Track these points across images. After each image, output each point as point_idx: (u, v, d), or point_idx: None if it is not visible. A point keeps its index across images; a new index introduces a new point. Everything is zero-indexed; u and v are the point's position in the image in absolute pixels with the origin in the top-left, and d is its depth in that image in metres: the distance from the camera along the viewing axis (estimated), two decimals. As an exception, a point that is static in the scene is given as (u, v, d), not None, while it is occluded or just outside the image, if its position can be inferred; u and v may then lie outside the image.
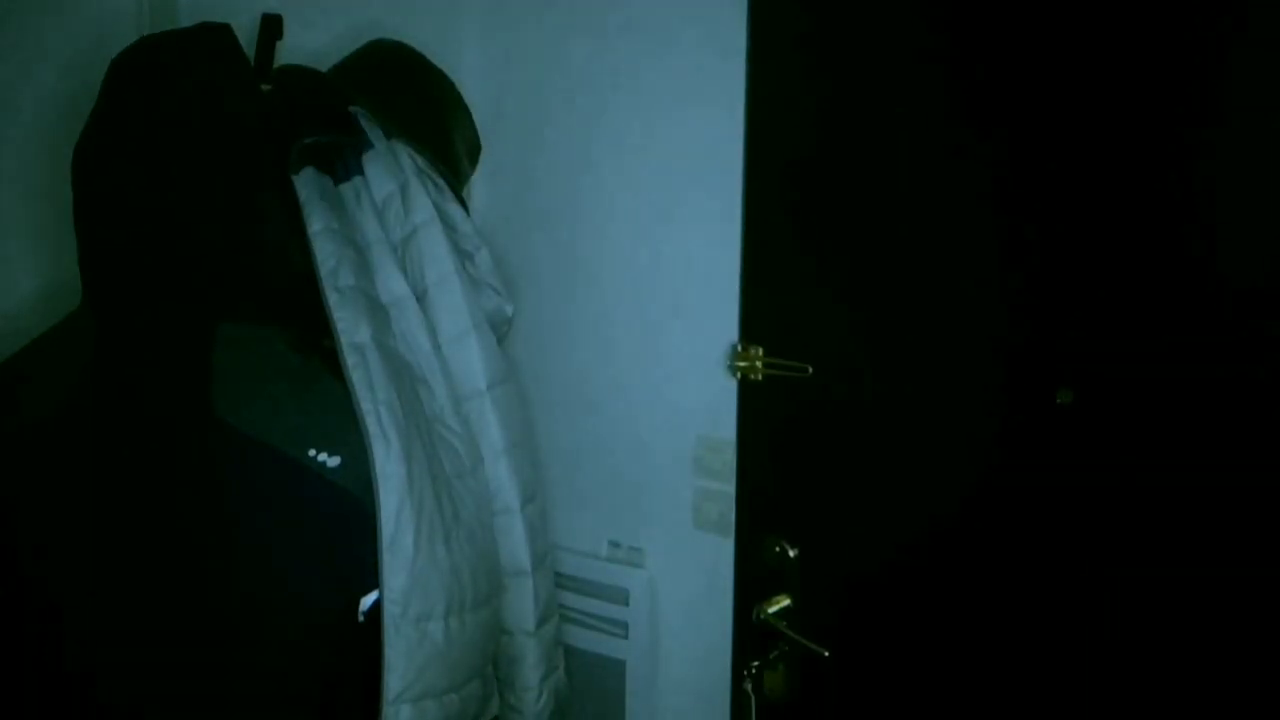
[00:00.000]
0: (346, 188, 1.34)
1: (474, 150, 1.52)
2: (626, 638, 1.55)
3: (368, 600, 1.17)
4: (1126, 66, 1.07)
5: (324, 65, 1.41)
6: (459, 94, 1.48)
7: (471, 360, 1.36)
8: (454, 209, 1.42)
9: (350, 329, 1.21)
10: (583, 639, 1.58)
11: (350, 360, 1.19)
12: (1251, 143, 1.03)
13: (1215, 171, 1.05)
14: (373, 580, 1.16)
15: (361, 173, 1.36)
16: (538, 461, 1.51)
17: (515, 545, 1.37)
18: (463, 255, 1.42)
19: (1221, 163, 1.05)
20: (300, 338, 1.21)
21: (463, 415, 1.35)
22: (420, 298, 1.35)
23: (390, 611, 1.15)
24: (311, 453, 1.14)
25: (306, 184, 1.28)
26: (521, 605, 1.39)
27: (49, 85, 1.36)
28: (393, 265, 1.33)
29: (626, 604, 1.54)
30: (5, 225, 1.38)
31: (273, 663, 1.12)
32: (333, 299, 1.22)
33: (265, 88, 1.30)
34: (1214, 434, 1.05)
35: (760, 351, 1.37)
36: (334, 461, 1.15)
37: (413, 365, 1.31)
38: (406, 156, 1.38)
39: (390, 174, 1.37)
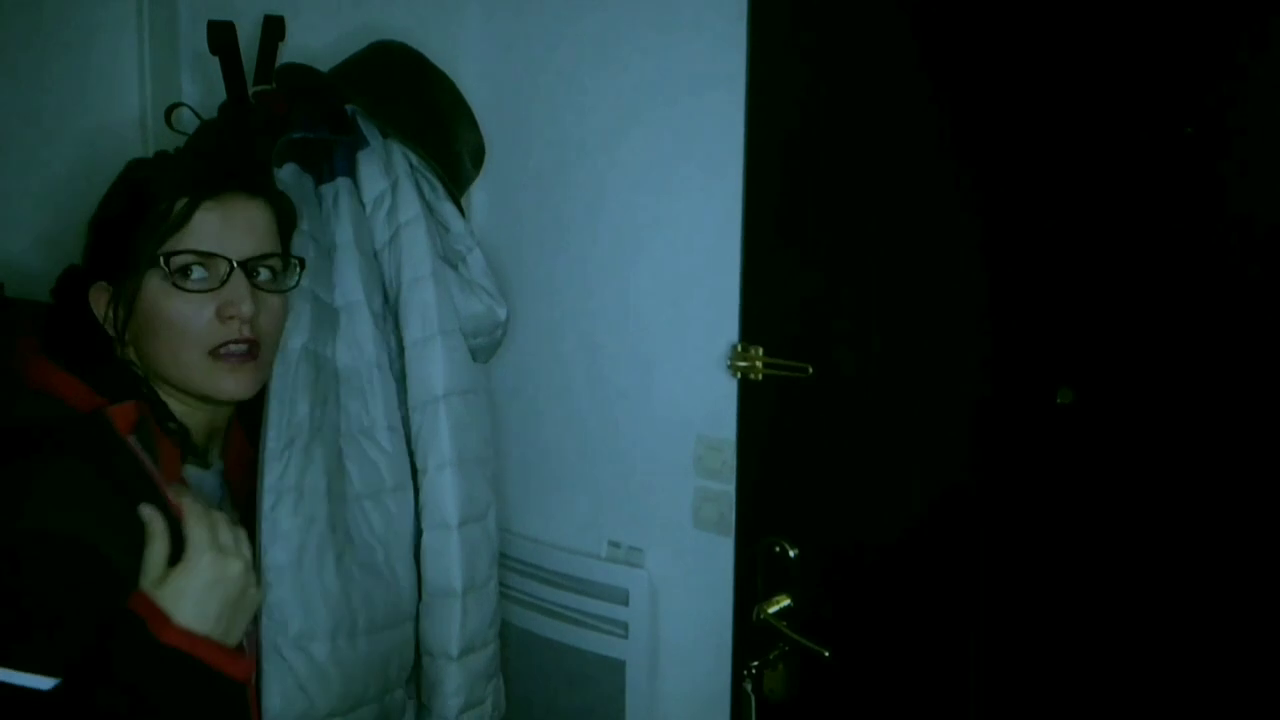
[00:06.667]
0: (327, 189, 1.33)
1: (477, 152, 1.51)
2: (626, 638, 1.55)
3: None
4: (1130, 65, 1.08)
5: (325, 67, 1.41)
6: (461, 96, 1.48)
7: (432, 366, 1.33)
8: (447, 208, 1.40)
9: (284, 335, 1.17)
10: (583, 639, 1.58)
11: (276, 370, 1.16)
12: (1252, 141, 1.03)
13: (1217, 171, 1.05)
14: None
15: (349, 174, 1.34)
16: (495, 480, 1.45)
17: (446, 563, 1.32)
18: (454, 256, 1.41)
19: (1223, 160, 1.04)
20: None
21: (410, 426, 1.32)
22: (395, 298, 1.34)
23: (268, 629, 1.11)
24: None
25: (280, 182, 1.25)
26: (445, 628, 1.32)
27: (48, 86, 1.37)
28: (355, 270, 1.31)
29: (626, 604, 1.54)
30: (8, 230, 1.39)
31: None
32: None
33: (269, 87, 1.30)
34: (1215, 433, 1.05)
35: (760, 351, 1.37)
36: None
37: (352, 376, 1.28)
38: (400, 155, 1.38)
39: (384, 173, 1.36)
